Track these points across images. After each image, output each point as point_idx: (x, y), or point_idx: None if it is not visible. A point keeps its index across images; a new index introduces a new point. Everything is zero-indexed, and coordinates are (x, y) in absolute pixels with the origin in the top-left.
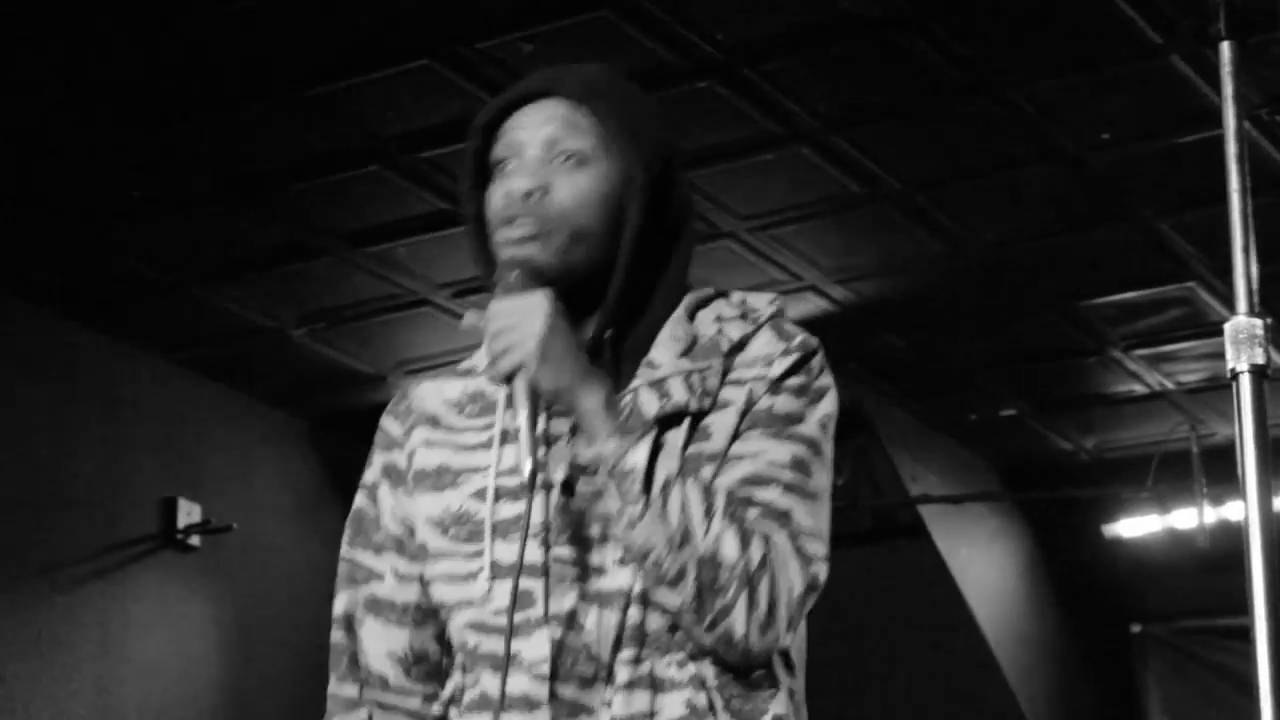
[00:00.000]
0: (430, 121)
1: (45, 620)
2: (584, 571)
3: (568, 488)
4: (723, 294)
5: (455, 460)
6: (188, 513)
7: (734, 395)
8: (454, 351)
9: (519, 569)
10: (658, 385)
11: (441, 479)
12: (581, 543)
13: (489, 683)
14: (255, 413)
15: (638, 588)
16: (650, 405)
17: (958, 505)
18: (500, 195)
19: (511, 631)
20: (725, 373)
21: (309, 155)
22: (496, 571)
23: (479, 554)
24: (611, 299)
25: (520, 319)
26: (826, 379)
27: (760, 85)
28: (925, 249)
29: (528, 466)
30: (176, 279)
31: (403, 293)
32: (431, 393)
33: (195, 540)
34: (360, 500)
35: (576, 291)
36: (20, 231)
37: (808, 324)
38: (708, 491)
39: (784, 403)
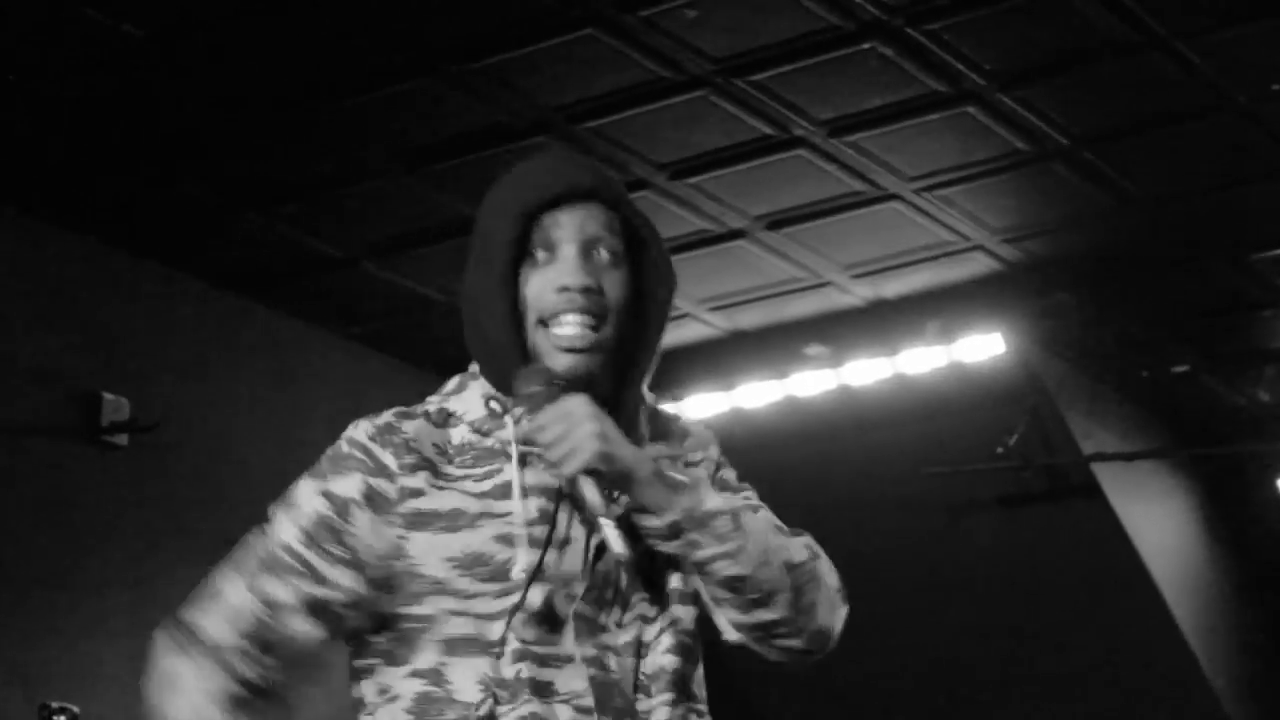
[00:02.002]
0: (594, 91)
1: None
2: (596, 627)
3: (598, 554)
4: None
5: (469, 505)
6: None
7: (698, 475)
8: None
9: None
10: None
11: (457, 521)
12: (599, 603)
13: (538, 709)
14: (426, 385)
15: (646, 637)
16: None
17: (1131, 463)
18: (553, 289)
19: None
20: (682, 454)
21: (475, 127)
22: (528, 612)
23: (505, 594)
24: (630, 394)
25: (572, 424)
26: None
27: (926, 46)
28: (1095, 205)
29: (622, 551)
30: (348, 254)
31: None
32: (425, 436)
33: None
34: (321, 506)
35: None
36: (197, 213)
37: (976, 284)
38: (757, 513)
39: (729, 475)
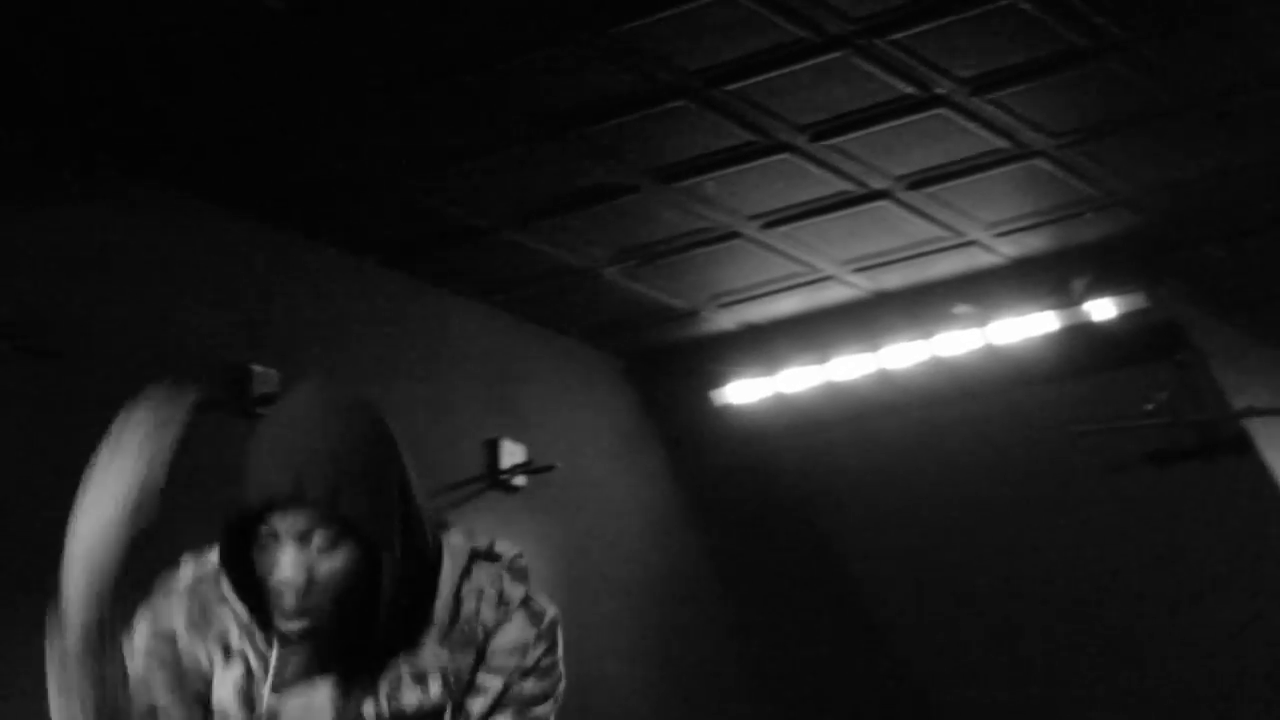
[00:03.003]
0: (735, 54)
1: None
2: None
3: None
4: (480, 554)
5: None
6: (511, 454)
7: (490, 682)
8: (766, 283)
9: None
10: (419, 677)
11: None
12: None
13: None
14: (572, 352)
15: None
16: (409, 697)
17: None
18: (271, 580)
19: None
20: (480, 658)
21: (616, 93)
22: None
23: None
24: (379, 637)
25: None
26: (560, 649)
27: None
28: (1243, 156)
29: None
30: (490, 222)
31: (713, 226)
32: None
33: (519, 480)
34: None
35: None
36: (340, 183)
37: (1122, 239)
38: None
39: (532, 686)
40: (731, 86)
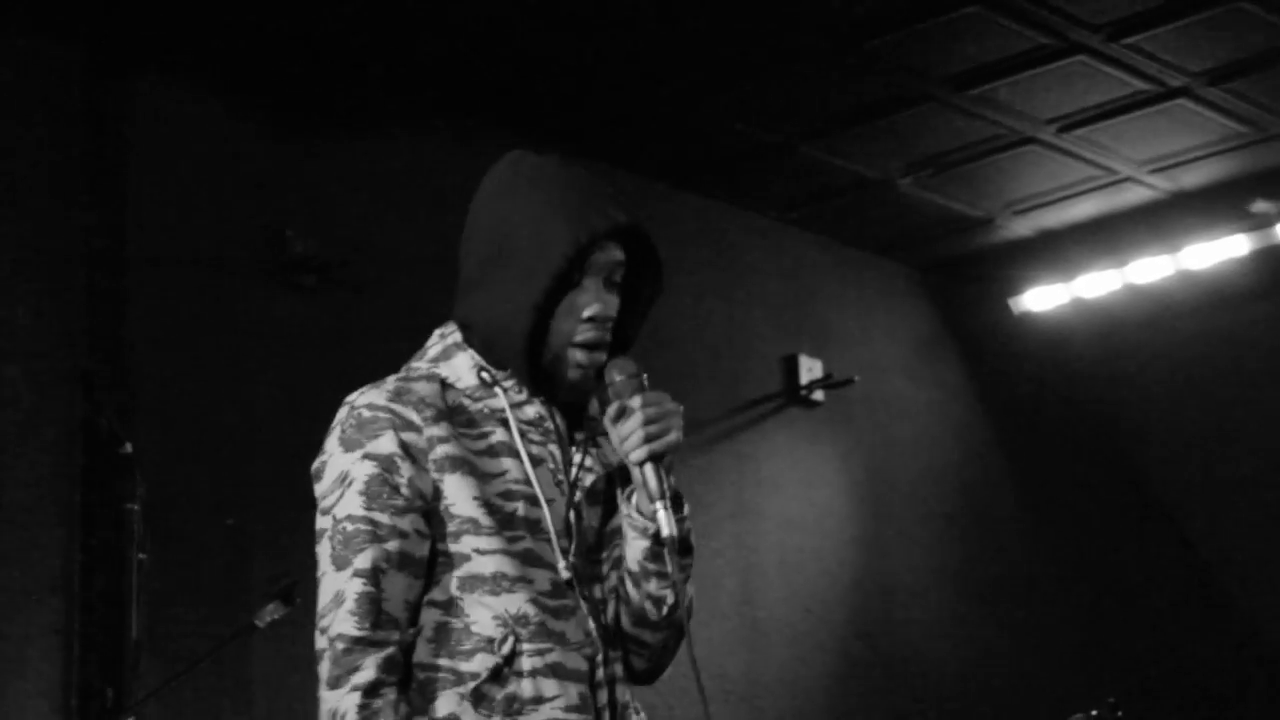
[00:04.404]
0: None
1: (684, 482)
2: (584, 580)
3: (578, 514)
4: None
5: (475, 461)
6: (809, 369)
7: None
8: (1062, 187)
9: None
10: (607, 439)
11: (475, 469)
12: (584, 560)
13: (560, 657)
14: (868, 265)
15: (598, 594)
16: (612, 456)
17: None
18: (579, 316)
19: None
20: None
21: (904, 3)
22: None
23: (518, 539)
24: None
25: (668, 410)
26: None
27: None
28: None
29: (671, 532)
30: (783, 138)
31: (1007, 133)
32: (430, 395)
33: (818, 395)
34: (370, 468)
35: None
36: (637, 107)
37: None
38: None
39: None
40: None
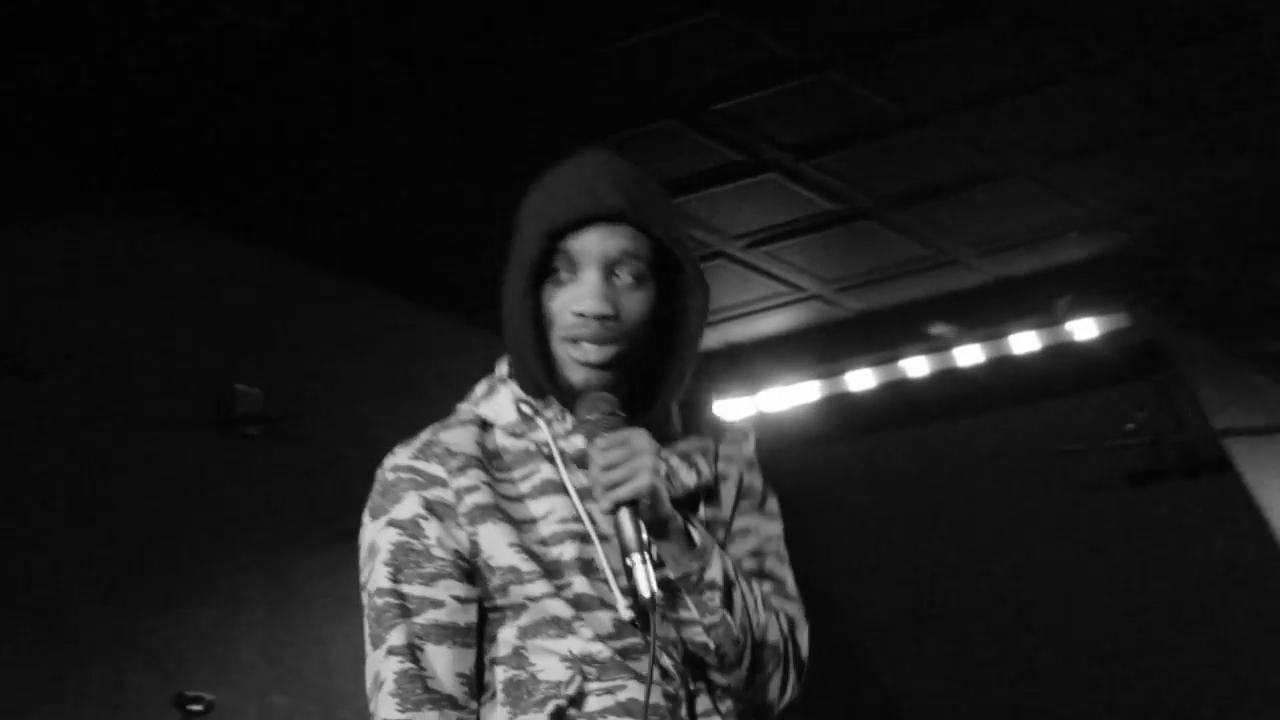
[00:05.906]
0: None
1: None
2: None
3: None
4: None
5: (512, 508)
6: None
7: (728, 470)
8: (748, 302)
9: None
10: (685, 459)
11: (509, 515)
12: (664, 586)
13: (634, 690)
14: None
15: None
16: (688, 477)
17: (1265, 438)
18: (571, 311)
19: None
20: (716, 448)
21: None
22: (589, 603)
23: (566, 586)
24: (657, 404)
25: (632, 452)
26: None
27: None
28: (1224, 177)
29: (648, 592)
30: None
31: (695, 245)
32: (462, 442)
33: None
34: (395, 535)
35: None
36: (317, 203)
37: (1104, 260)
38: (751, 585)
39: (757, 480)
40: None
